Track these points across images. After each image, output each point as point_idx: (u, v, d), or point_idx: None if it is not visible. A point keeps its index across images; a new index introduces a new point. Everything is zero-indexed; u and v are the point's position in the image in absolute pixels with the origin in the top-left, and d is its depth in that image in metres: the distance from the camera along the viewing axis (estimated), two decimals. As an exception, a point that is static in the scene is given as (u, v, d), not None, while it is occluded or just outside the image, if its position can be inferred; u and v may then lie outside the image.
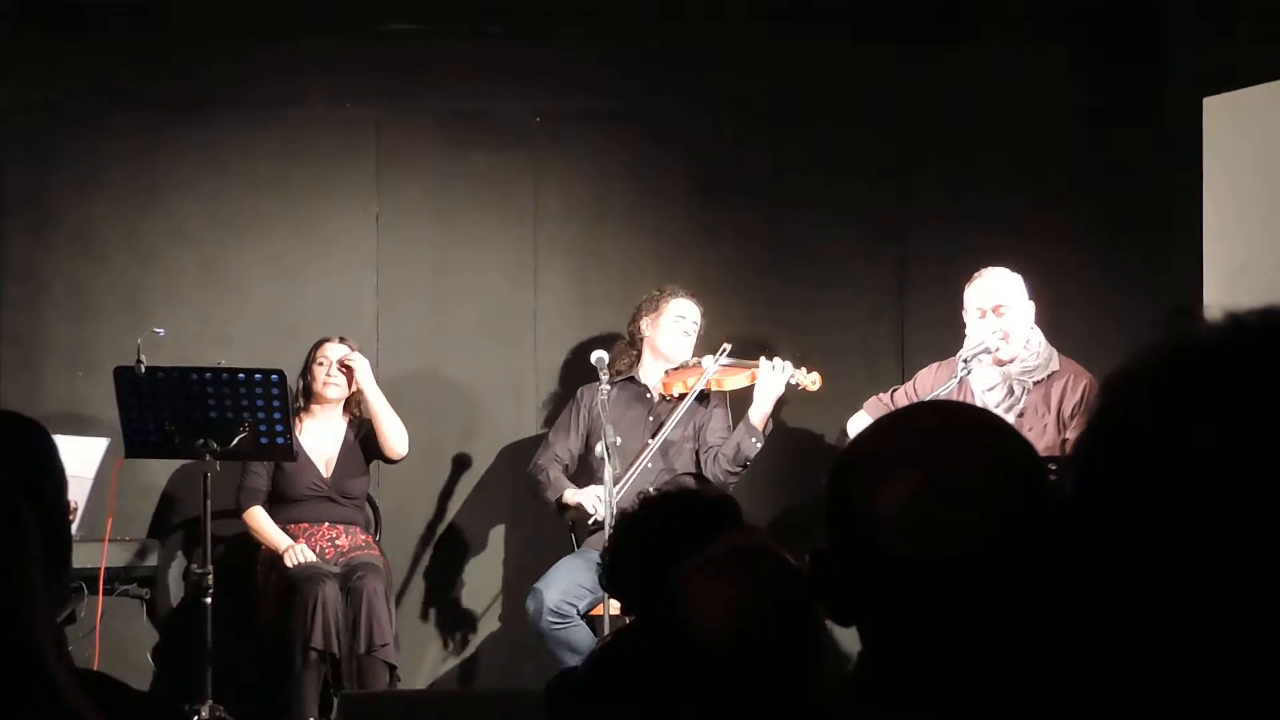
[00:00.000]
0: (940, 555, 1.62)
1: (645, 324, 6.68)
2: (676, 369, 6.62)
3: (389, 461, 6.73)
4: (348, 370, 6.66)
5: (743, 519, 3.41)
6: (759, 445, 6.43)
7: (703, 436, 6.59)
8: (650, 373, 6.67)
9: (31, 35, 6.98)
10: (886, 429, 1.75)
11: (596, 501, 6.30)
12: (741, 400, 6.55)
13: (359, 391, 6.67)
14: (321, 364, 6.68)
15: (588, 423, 6.61)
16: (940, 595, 1.63)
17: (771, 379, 6.39)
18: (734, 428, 6.54)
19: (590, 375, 6.50)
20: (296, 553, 6.46)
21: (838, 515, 1.70)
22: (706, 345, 6.64)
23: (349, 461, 6.71)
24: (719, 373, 6.51)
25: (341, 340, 6.71)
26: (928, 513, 1.63)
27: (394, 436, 6.64)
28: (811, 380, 6.39)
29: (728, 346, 6.52)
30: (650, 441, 6.45)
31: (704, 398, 6.61)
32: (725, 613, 2.42)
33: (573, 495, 6.50)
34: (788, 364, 6.40)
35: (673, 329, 6.63)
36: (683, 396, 6.52)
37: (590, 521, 6.41)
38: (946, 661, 1.64)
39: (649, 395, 6.65)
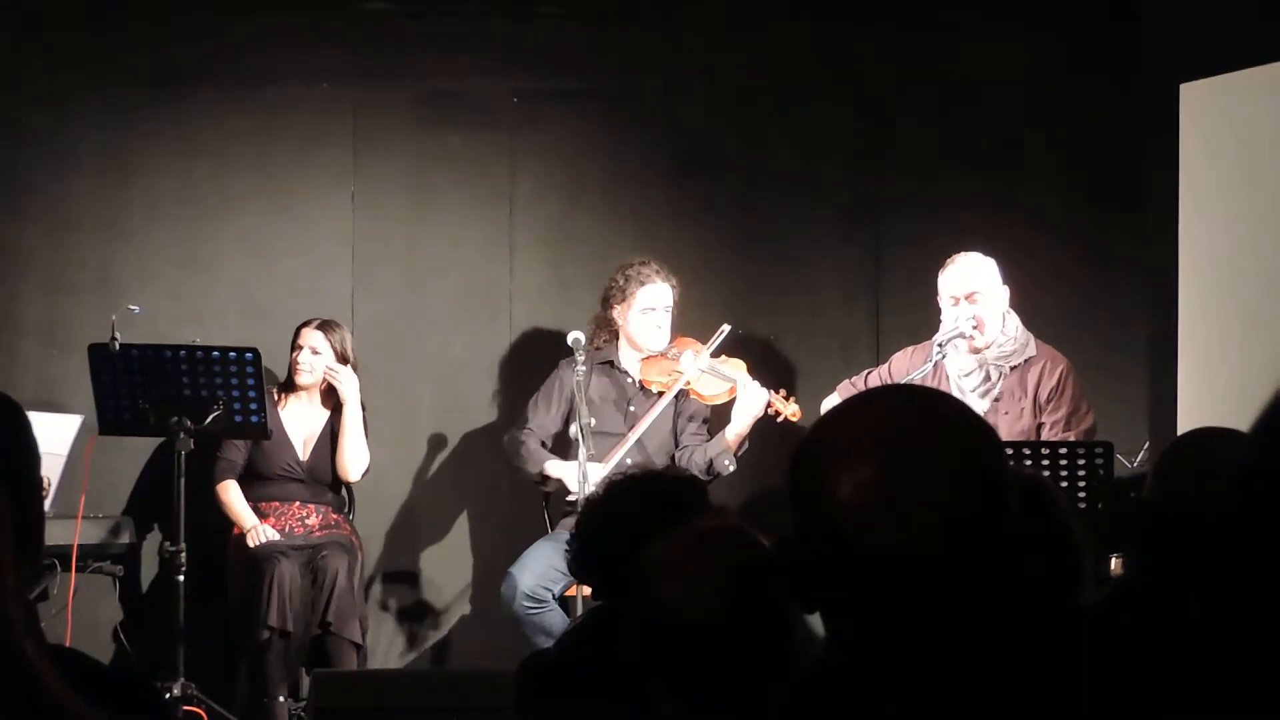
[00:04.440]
0: (903, 545, 1.61)
1: (616, 312, 6.55)
2: (654, 357, 6.55)
3: (342, 479, 6.67)
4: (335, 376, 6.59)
5: (710, 501, 3.40)
6: (731, 467, 6.36)
7: (679, 430, 6.55)
8: (628, 359, 6.59)
9: (2, 10, 6.93)
10: (853, 414, 1.72)
11: (581, 479, 6.15)
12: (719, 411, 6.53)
13: (334, 390, 6.59)
14: (297, 349, 6.63)
15: (568, 399, 6.51)
16: (902, 584, 1.62)
17: (749, 402, 6.30)
18: (710, 431, 6.49)
19: (567, 354, 6.47)
20: (260, 533, 6.45)
21: (802, 501, 1.68)
22: (690, 325, 6.62)
23: (327, 446, 6.68)
24: (698, 378, 6.45)
25: (322, 325, 6.63)
26: (891, 504, 1.61)
27: (352, 461, 6.59)
28: (792, 411, 6.29)
29: (725, 329, 6.45)
30: (628, 435, 6.35)
31: (683, 394, 6.54)
32: (702, 593, 2.43)
33: (555, 468, 6.40)
34: (765, 390, 6.31)
35: (643, 321, 6.51)
36: (661, 394, 6.47)
37: (568, 499, 6.30)
38: (910, 649, 1.63)
39: (628, 381, 6.59)
